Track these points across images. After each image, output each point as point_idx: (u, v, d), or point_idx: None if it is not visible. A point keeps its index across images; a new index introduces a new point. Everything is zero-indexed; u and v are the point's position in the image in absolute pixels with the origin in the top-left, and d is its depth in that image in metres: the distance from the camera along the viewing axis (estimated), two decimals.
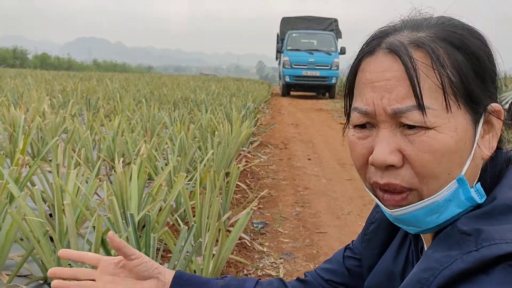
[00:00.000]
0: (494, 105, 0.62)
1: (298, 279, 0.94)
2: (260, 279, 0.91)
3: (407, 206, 0.61)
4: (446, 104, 0.58)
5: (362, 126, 0.64)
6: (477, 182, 0.62)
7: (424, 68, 0.59)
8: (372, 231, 0.83)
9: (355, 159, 0.65)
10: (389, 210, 0.63)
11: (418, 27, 0.63)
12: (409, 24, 0.64)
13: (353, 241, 0.93)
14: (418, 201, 0.61)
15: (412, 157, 0.59)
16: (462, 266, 0.52)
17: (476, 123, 0.61)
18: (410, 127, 0.59)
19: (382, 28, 0.66)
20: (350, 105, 0.67)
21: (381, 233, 0.81)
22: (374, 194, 0.66)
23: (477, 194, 0.61)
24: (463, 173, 0.60)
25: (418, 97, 0.58)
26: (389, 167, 0.61)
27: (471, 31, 0.62)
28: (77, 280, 0.84)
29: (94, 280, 0.83)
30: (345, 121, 0.70)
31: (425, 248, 0.70)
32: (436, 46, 0.60)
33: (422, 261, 0.57)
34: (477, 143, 0.61)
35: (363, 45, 0.66)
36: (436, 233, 0.64)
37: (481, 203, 0.61)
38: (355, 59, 0.66)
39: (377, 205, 0.84)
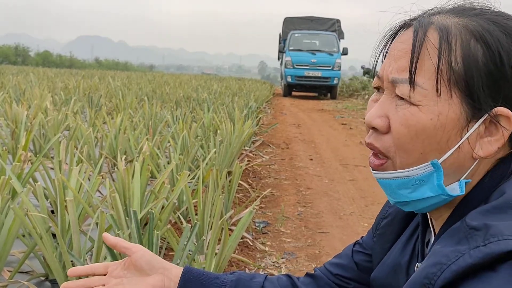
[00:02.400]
0: (500, 109, 0.58)
1: (307, 274, 0.95)
2: (268, 275, 0.91)
3: (382, 172, 0.65)
4: (437, 87, 0.59)
5: (378, 89, 0.68)
6: (467, 179, 0.62)
7: (431, 49, 0.60)
8: (385, 225, 0.83)
9: None
10: (371, 171, 0.68)
11: (461, 12, 0.63)
12: (457, 8, 0.65)
13: (362, 236, 0.93)
14: (392, 171, 0.64)
15: (392, 126, 0.63)
16: (470, 261, 0.51)
17: (472, 119, 0.59)
18: (401, 98, 0.62)
19: (436, 6, 0.67)
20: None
21: (394, 227, 0.81)
22: None
23: (459, 187, 0.62)
24: (440, 160, 0.61)
25: (411, 71, 0.60)
26: (376, 130, 0.65)
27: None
28: None
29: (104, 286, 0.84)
30: None
31: (431, 241, 0.70)
32: (457, 33, 0.60)
33: (430, 256, 0.56)
34: (467, 139, 0.60)
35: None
36: (443, 228, 0.64)
37: (454, 195, 0.62)
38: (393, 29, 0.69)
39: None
